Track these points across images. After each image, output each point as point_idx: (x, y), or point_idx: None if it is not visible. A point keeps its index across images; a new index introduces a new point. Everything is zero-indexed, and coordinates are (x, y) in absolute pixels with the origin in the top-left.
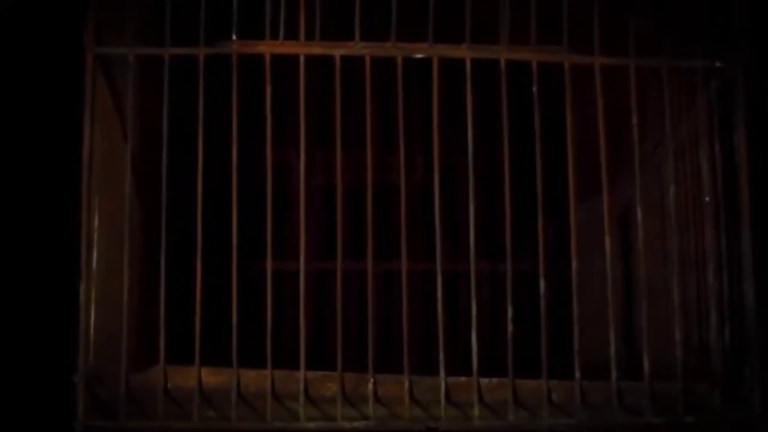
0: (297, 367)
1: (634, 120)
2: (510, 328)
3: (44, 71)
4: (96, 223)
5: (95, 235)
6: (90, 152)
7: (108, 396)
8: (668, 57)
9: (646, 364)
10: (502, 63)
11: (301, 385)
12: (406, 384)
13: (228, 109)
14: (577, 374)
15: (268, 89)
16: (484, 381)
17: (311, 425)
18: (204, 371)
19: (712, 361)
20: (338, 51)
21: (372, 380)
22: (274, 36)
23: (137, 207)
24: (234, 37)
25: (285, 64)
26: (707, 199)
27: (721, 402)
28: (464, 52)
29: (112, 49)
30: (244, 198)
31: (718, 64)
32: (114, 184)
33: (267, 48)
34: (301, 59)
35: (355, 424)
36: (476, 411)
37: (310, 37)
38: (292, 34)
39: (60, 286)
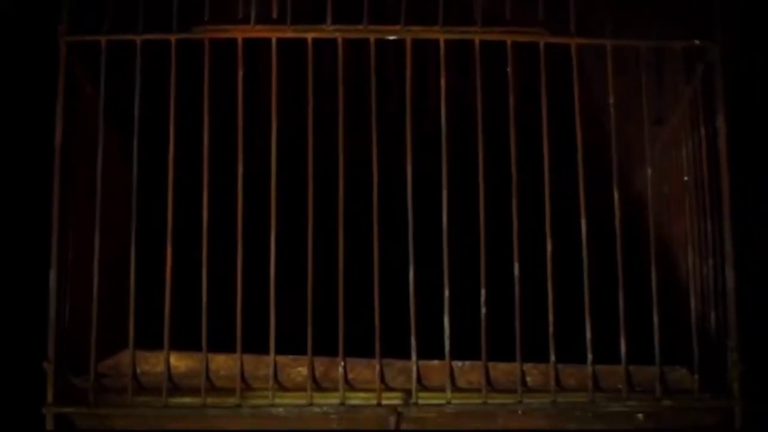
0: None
1: (611, 101)
2: (483, 310)
3: (23, 60)
4: (73, 210)
5: (72, 221)
6: (61, 140)
7: (77, 382)
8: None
9: (623, 347)
10: (477, 44)
11: (271, 369)
12: (377, 367)
13: (227, 95)
14: (552, 357)
15: (240, 74)
16: (457, 364)
17: (281, 409)
18: (173, 356)
19: (692, 345)
20: (310, 34)
21: (342, 363)
22: (246, 20)
23: (115, 193)
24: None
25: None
26: (686, 178)
27: (700, 387)
28: (437, 34)
29: (85, 36)
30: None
31: (697, 42)
32: (93, 171)
33: (239, 32)
34: (273, 42)
35: (325, 408)
36: (449, 394)
37: (282, 21)
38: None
39: (32, 271)
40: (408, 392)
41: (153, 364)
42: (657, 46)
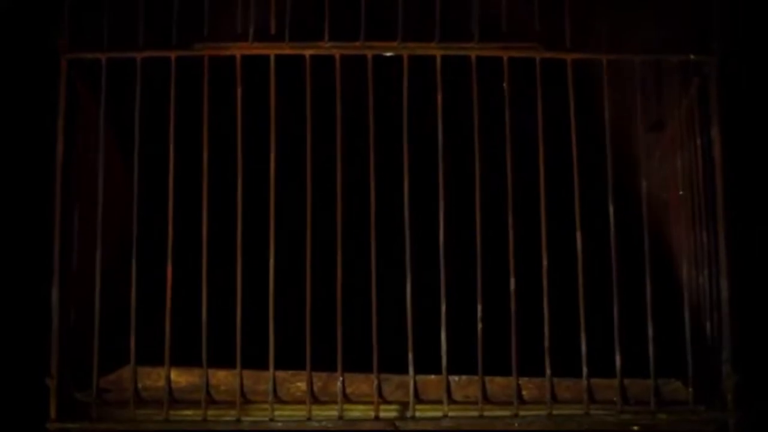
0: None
1: (606, 115)
2: (480, 325)
3: (24, 70)
4: (75, 225)
5: (74, 236)
6: (62, 156)
7: (80, 396)
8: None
9: (618, 360)
10: (473, 59)
11: (270, 384)
12: (375, 382)
13: (231, 111)
14: (548, 371)
15: (239, 90)
16: (454, 378)
17: (280, 423)
18: (174, 371)
19: (686, 357)
20: (308, 51)
21: (341, 378)
22: (244, 37)
23: (116, 208)
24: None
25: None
26: (681, 192)
27: (695, 399)
28: (434, 50)
29: (85, 53)
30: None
31: (692, 57)
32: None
33: (237, 49)
34: (271, 59)
35: (324, 422)
36: (446, 407)
37: (280, 38)
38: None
39: (34, 286)
40: (405, 406)
41: (154, 379)
42: (652, 60)
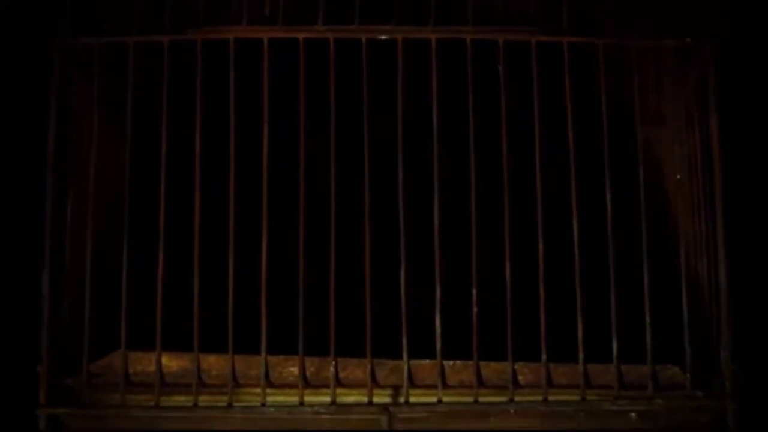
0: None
1: (603, 100)
2: (474, 309)
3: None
4: (68, 212)
5: (68, 222)
6: (54, 144)
7: (70, 382)
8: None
9: (615, 346)
10: (468, 43)
11: (262, 368)
12: (369, 367)
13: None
14: (544, 356)
15: (232, 74)
16: (449, 363)
17: (271, 410)
18: (166, 356)
19: (684, 344)
20: (302, 34)
21: (334, 363)
22: (238, 21)
23: (112, 194)
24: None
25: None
26: (678, 176)
27: (692, 385)
28: (429, 33)
29: (79, 40)
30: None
31: (689, 41)
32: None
33: (231, 33)
34: (265, 42)
35: (316, 407)
36: (440, 393)
37: (273, 21)
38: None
39: (25, 273)
40: (399, 391)
41: (145, 364)
42: (649, 46)
